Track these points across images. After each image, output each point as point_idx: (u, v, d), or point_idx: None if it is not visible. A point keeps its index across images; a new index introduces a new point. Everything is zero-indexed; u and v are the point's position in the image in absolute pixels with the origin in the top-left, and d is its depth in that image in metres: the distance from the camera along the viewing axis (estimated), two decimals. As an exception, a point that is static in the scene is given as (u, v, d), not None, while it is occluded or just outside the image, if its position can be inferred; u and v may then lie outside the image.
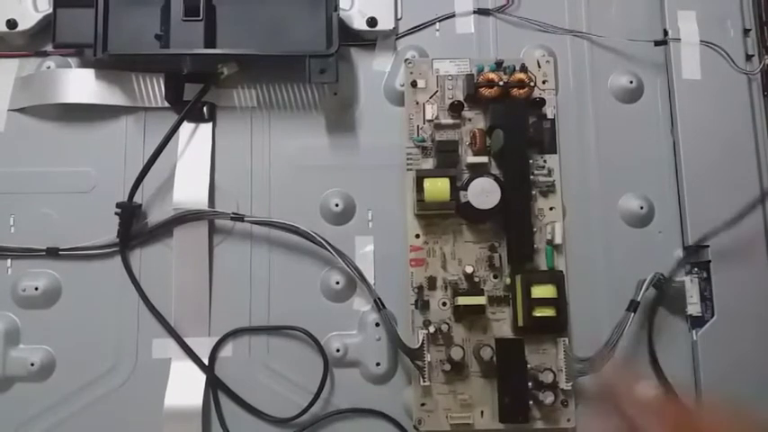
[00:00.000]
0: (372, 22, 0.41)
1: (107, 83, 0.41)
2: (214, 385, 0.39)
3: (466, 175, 0.40)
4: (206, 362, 0.39)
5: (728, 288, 0.40)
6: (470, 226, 0.40)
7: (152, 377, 0.38)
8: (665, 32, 0.43)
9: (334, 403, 0.39)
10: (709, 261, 0.40)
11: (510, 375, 0.38)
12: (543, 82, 0.42)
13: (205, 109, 0.41)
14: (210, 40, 0.40)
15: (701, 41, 0.43)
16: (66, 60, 0.42)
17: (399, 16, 0.43)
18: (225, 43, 0.41)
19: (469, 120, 0.41)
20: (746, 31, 0.43)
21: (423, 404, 0.38)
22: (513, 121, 0.40)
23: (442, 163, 0.40)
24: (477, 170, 0.40)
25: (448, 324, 0.38)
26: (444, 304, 0.39)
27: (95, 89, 0.41)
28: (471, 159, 0.40)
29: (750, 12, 0.44)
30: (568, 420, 0.38)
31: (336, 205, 0.41)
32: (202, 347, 0.39)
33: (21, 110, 0.41)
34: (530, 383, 0.38)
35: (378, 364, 0.39)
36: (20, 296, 0.39)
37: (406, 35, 0.43)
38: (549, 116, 0.41)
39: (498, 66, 0.41)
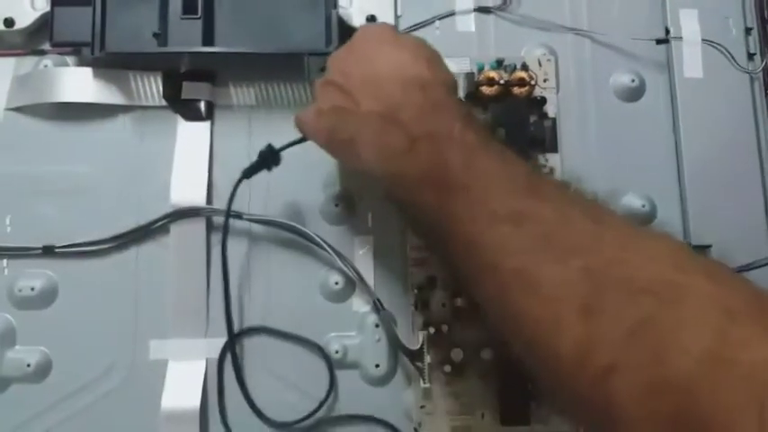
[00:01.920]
0: (372, 19, 0.41)
1: (104, 81, 0.40)
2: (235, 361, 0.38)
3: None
4: (204, 363, 0.38)
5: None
6: (471, 226, 0.39)
7: (149, 378, 0.38)
8: (667, 31, 0.43)
9: (332, 405, 0.39)
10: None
11: (511, 377, 0.37)
12: (544, 80, 0.41)
13: (203, 107, 0.41)
14: (209, 39, 0.40)
15: (702, 40, 0.42)
16: (64, 59, 0.41)
17: (399, 14, 0.43)
18: (223, 41, 0.40)
19: (470, 118, 0.41)
20: (748, 30, 0.43)
21: (423, 406, 0.38)
22: (513, 120, 0.39)
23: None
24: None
25: (448, 325, 0.38)
26: (444, 305, 0.39)
27: (93, 88, 0.40)
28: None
29: (752, 10, 0.44)
30: (570, 423, 0.38)
31: (336, 205, 0.40)
32: (200, 348, 0.39)
33: (17, 109, 0.41)
34: (531, 385, 0.37)
35: (377, 366, 0.39)
36: (16, 297, 0.39)
37: (405, 33, 0.43)
38: (551, 115, 0.41)
39: (499, 64, 0.41)
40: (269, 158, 0.36)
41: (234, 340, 0.38)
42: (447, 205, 0.28)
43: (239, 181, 0.37)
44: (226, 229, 0.38)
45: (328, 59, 0.36)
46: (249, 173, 0.37)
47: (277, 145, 0.37)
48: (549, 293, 0.24)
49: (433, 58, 0.33)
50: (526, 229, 0.26)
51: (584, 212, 0.27)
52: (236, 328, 0.39)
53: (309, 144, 0.36)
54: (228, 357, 0.38)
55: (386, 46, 0.33)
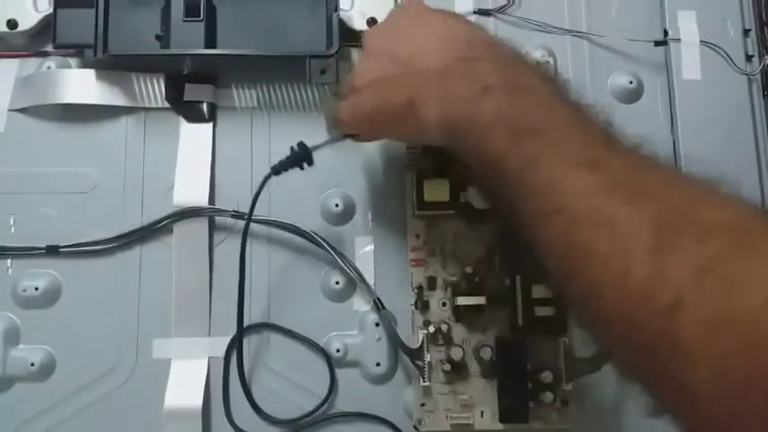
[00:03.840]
0: (373, 22, 0.41)
1: (107, 83, 0.41)
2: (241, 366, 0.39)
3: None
4: (206, 362, 0.39)
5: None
6: (470, 226, 0.40)
7: (152, 377, 0.38)
8: (666, 33, 0.43)
9: (333, 403, 0.39)
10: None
11: (510, 375, 0.38)
12: (543, 82, 0.42)
13: (205, 109, 0.41)
14: (211, 41, 0.40)
15: (701, 42, 0.43)
16: (67, 61, 0.42)
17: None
18: (225, 43, 0.41)
19: (469, 120, 0.41)
20: (746, 32, 0.43)
21: (423, 404, 0.38)
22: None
23: (442, 163, 0.40)
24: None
25: (448, 324, 0.38)
26: (444, 304, 0.39)
27: (96, 89, 0.41)
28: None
29: (750, 12, 0.44)
30: (568, 421, 0.38)
31: (336, 205, 0.41)
32: (202, 347, 0.39)
33: (21, 110, 0.41)
34: (530, 384, 0.38)
35: (378, 365, 0.39)
36: (20, 296, 0.39)
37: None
38: (549, 116, 0.41)
39: (498, 66, 0.41)
40: (301, 158, 0.36)
41: (242, 336, 0.39)
42: (519, 149, 0.28)
43: (267, 177, 0.36)
44: (247, 226, 0.38)
45: (365, 36, 0.36)
46: (279, 169, 0.36)
47: (283, 145, 0.36)
48: (620, 231, 0.25)
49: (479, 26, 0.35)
50: (601, 175, 0.26)
51: (658, 166, 0.28)
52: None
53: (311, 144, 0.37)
54: (233, 355, 0.39)
55: (431, 13, 0.34)
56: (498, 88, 0.29)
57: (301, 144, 0.36)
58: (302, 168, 0.36)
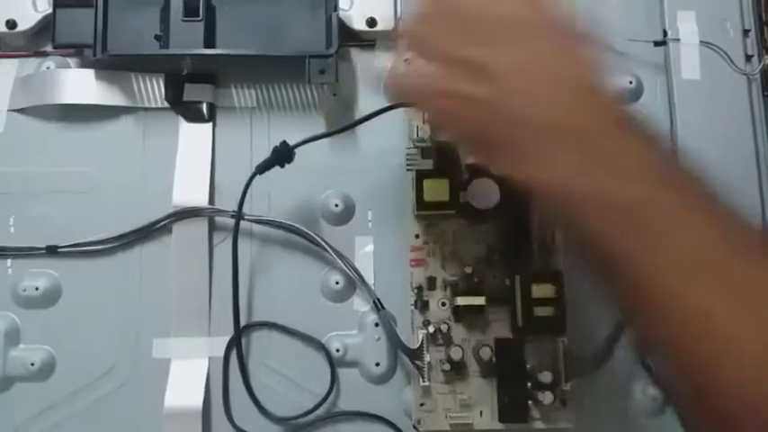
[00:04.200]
0: (372, 22, 0.41)
1: (107, 83, 0.41)
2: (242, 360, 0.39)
3: (466, 176, 0.40)
4: (206, 362, 0.39)
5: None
6: (470, 226, 0.40)
7: (152, 377, 0.39)
8: (665, 33, 0.43)
9: (333, 403, 0.39)
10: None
11: (509, 375, 0.38)
12: (543, 82, 0.42)
13: (205, 109, 0.41)
14: (210, 41, 0.40)
15: (700, 42, 0.43)
16: (66, 61, 0.42)
17: (399, 16, 0.43)
18: (224, 43, 0.41)
19: (469, 120, 0.41)
20: (746, 32, 0.43)
21: (422, 404, 0.38)
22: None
23: (442, 163, 0.40)
24: (477, 170, 0.40)
25: (447, 324, 0.38)
26: (444, 304, 0.39)
27: (95, 89, 0.41)
28: (471, 159, 0.40)
29: (750, 12, 0.44)
30: (568, 420, 0.38)
31: (336, 205, 0.41)
32: (202, 347, 0.39)
33: (20, 110, 0.41)
34: (529, 383, 0.38)
35: (377, 365, 0.39)
36: (20, 296, 0.39)
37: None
38: (549, 116, 0.41)
39: (498, 66, 0.41)
40: (282, 155, 0.37)
41: (240, 334, 0.39)
42: (627, 241, 0.25)
43: (253, 176, 0.37)
44: (237, 224, 0.38)
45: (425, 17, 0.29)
46: (263, 168, 0.37)
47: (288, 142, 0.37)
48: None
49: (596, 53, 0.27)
50: (723, 286, 0.24)
51: None
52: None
53: (307, 146, 0.37)
54: (232, 354, 0.39)
55: (552, 27, 0.27)
56: (603, 161, 0.25)
57: (283, 143, 0.37)
58: (282, 167, 0.37)
